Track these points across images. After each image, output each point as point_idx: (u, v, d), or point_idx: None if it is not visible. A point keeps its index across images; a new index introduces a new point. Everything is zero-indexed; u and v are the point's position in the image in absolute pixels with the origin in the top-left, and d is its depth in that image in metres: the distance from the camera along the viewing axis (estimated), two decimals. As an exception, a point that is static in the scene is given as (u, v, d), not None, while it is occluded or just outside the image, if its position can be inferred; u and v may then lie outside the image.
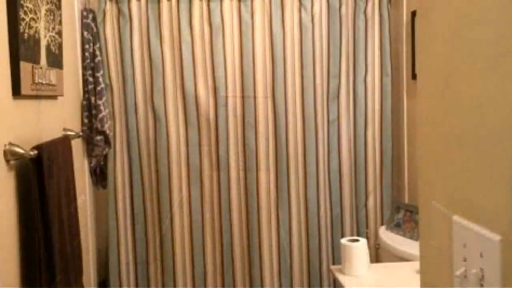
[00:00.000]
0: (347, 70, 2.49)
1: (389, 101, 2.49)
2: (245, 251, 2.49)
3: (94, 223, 2.43)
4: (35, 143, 1.60)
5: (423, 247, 0.68)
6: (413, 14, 2.30)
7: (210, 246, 2.48)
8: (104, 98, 2.32)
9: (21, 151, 1.41)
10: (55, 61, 1.83)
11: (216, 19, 2.38)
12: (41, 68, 1.66)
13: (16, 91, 1.46)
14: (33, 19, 1.58)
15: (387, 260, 2.09)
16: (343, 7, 2.45)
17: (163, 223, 2.43)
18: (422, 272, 0.69)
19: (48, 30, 1.76)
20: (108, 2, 2.35)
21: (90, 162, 2.37)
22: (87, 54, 2.29)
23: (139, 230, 2.45)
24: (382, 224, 2.53)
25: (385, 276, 1.63)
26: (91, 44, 2.31)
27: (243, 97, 2.42)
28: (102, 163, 2.43)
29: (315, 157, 2.47)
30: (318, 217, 2.50)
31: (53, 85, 1.79)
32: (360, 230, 2.55)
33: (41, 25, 1.68)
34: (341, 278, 1.63)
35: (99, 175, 2.45)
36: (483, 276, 0.53)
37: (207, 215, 2.47)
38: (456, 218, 0.58)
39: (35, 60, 1.61)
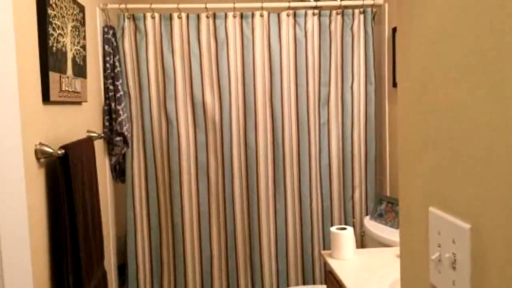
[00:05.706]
0: (336, 79, 2.49)
1: (373, 107, 2.49)
2: (247, 238, 2.49)
3: (114, 213, 2.43)
4: (62, 143, 1.60)
5: (403, 234, 0.68)
6: (394, 30, 2.30)
7: (216, 234, 2.48)
8: (123, 104, 2.32)
9: (50, 150, 1.42)
10: (80, 71, 1.84)
11: (221, 34, 2.38)
12: (67, 77, 1.66)
13: (46, 98, 1.47)
14: (60, 34, 1.58)
15: (371, 246, 2.09)
16: (333, 24, 2.45)
17: (174, 213, 2.43)
18: (402, 256, 0.69)
19: (74, 44, 1.76)
20: (126, 20, 2.35)
21: (110, 160, 2.38)
22: (108, 65, 2.29)
23: (153, 219, 2.45)
24: (366, 215, 2.53)
25: (369, 260, 1.63)
26: (112, 57, 2.31)
27: (244, 102, 2.42)
28: (121, 160, 2.43)
29: (307, 155, 2.47)
30: (311, 208, 2.50)
31: (78, 93, 1.79)
32: (347, 220, 2.55)
33: (68, 40, 1.68)
34: (331, 261, 1.63)
35: (119, 171, 2.45)
36: (455, 259, 0.53)
37: (213, 206, 2.47)
38: (431, 209, 0.58)
39: (62, 70, 1.61)
